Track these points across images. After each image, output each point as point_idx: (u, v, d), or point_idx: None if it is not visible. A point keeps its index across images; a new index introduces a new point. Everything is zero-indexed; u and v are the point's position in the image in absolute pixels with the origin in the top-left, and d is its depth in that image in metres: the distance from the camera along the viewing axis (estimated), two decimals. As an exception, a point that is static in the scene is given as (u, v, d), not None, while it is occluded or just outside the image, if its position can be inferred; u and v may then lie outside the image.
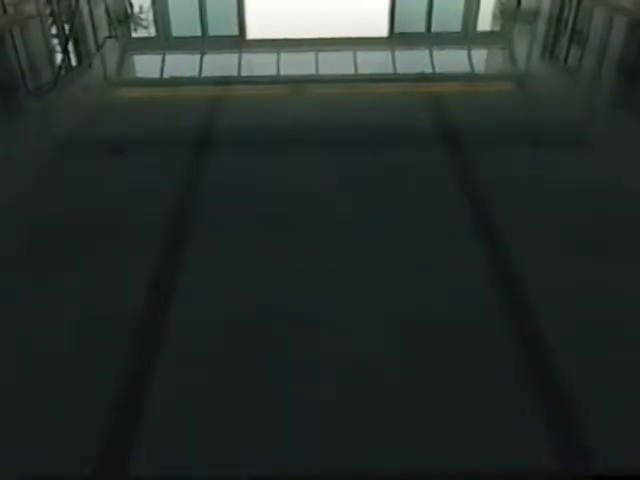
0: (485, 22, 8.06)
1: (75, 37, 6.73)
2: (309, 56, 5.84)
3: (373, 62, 5.78)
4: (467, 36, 7.03)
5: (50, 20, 7.32)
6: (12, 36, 6.24)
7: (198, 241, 2.54)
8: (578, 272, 2.28)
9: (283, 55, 5.89)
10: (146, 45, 6.78)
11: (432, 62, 5.87)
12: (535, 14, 7.86)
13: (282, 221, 2.68)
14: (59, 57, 5.99)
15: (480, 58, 6.16)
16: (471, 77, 5.30)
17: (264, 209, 2.78)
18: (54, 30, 7.06)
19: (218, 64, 5.91)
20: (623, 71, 5.30)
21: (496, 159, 3.37)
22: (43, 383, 1.78)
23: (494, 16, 8.20)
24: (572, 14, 7.82)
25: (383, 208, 2.81)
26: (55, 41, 6.60)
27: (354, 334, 1.97)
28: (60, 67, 5.62)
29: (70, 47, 6.35)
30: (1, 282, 2.25)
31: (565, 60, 5.88)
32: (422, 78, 5.14)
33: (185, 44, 6.70)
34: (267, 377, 1.79)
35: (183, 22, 7.94)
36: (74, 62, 5.88)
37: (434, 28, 7.66)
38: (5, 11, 6.60)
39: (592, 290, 2.18)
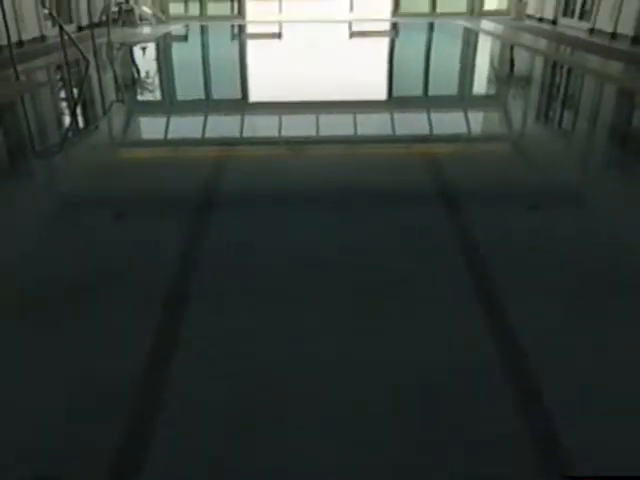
0: (481, 86, 8.35)
1: (83, 102, 6.98)
2: (309, 118, 5.97)
3: (372, 124, 5.91)
4: (463, 100, 7.22)
5: (60, 86, 7.62)
6: (23, 102, 6.50)
7: (198, 305, 2.56)
8: (579, 336, 2.29)
9: (284, 117, 6.03)
10: (151, 108, 6.98)
11: (430, 124, 6.00)
12: (528, 80, 8.13)
13: (282, 286, 2.71)
14: (67, 121, 6.17)
15: (476, 120, 6.30)
16: (468, 139, 5.42)
17: (265, 273, 2.81)
18: (64, 94, 7.34)
19: (221, 126, 6.04)
20: (615, 135, 5.43)
21: (494, 221, 3.40)
22: (34, 447, 1.77)
23: (489, 81, 8.49)
24: (563, 80, 8.12)
25: (382, 271, 2.84)
26: (64, 105, 6.84)
27: (354, 403, 1.96)
28: (67, 130, 5.79)
29: (78, 111, 6.57)
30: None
31: (559, 124, 6.04)
32: (420, 140, 5.25)
33: (189, 107, 6.89)
34: (265, 446, 1.79)
35: (187, 86, 8.22)
36: (81, 125, 6.04)
37: (431, 92, 7.88)
38: (18, 78, 6.89)
39: (593, 354, 2.18)
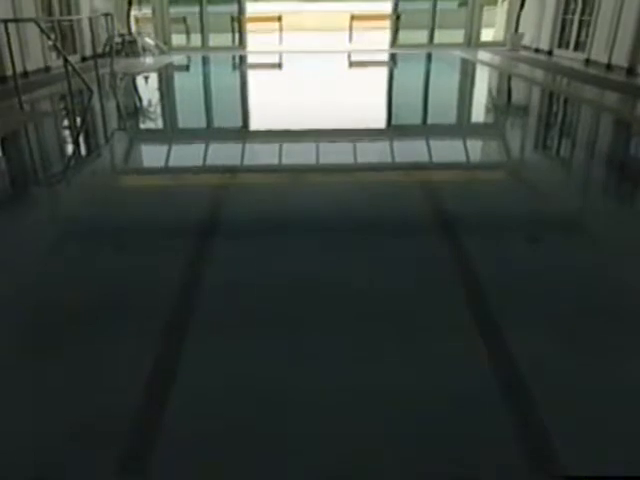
0: (479, 115, 8.46)
1: (86, 130, 7.06)
2: (310, 146, 6.03)
3: (372, 152, 5.96)
4: (462, 128, 7.30)
5: (63, 116, 7.71)
6: (26, 131, 6.57)
7: (198, 336, 2.55)
8: (579, 369, 2.28)
9: (285, 145, 6.08)
10: (153, 136, 7.04)
11: (429, 152, 6.06)
12: (525, 109, 8.25)
13: (281, 315, 2.71)
14: (70, 149, 6.23)
15: (475, 149, 6.37)
16: (467, 167, 5.46)
17: (265, 303, 2.81)
18: (67, 123, 7.43)
19: (222, 154, 6.09)
20: (613, 165, 5.48)
21: (494, 251, 3.42)
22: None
23: (487, 110, 8.60)
24: (561, 110, 8.24)
25: (382, 300, 2.84)
26: (67, 134, 6.91)
27: (353, 438, 1.95)
28: (69, 159, 5.84)
29: (81, 140, 6.64)
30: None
31: (557, 153, 6.11)
32: (419, 167, 5.30)
33: (190, 135, 6.96)
34: (264, 475, 1.77)
35: (189, 115, 8.32)
36: (84, 154, 6.10)
37: (430, 121, 7.97)
38: (22, 108, 6.98)
39: (594, 388, 2.18)
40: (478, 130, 7.21)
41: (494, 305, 2.81)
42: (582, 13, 11.32)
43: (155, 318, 2.67)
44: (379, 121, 7.75)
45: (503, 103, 8.90)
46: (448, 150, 6.11)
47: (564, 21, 12.08)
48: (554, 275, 3.08)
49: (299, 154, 5.80)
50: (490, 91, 10.31)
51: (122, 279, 3.07)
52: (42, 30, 8.40)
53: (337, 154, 5.75)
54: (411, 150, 6.10)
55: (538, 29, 12.88)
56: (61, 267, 3.28)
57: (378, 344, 2.48)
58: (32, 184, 5.06)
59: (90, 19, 11.02)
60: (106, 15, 10.96)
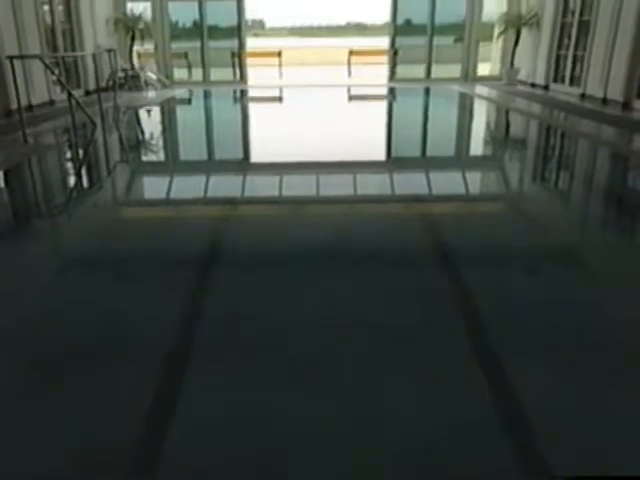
0: (477, 148, 8.57)
1: (89, 163, 7.14)
2: (310, 178, 6.08)
3: (372, 184, 6.01)
4: (460, 161, 7.38)
5: (67, 149, 7.81)
6: (30, 164, 6.65)
7: (199, 367, 2.55)
8: (580, 403, 2.27)
9: (285, 177, 6.14)
10: (155, 169, 7.11)
11: (429, 184, 6.11)
12: (523, 142, 8.36)
13: (281, 349, 2.70)
14: (72, 182, 6.29)
15: (474, 181, 6.43)
16: (466, 199, 5.51)
17: (265, 336, 2.81)
18: (70, 156, 7.51)
19: (223, 186, 6.14)
20: (611, 197, 5.52)
21: (494, 283, 3.43)
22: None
23: (485, 143, 8.72)
24: (558, 143, 8.35)
25: (382, 334, 2.83)
26: (70, 167, 6.99)
27: (353, 469, 1.94)
28: (71, 191, 5.90)
29: (83, 172, 6.71)
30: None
31: (555, 185, 6.17)
32: (419, 200, 5.35)
33: (192, 167, 7.02)
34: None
35: (190, 147, 8.42)
36: (85, 186, 6.15)
37: (429, 153, 8.06)
38: (26, 141, 7.07)
39: (593, 420, 2.17)
40: (477, 163, 7.28)
41: (494, 338, 2.81)
42: (575, 49, 11.56)
43: (156, 349, 2.66)
44: (379, 153, 7.84)
45: (501, 136, 9.03)
46: (448, 182, 6.16)
47: (558, 57, 12.32)
48: (553, 308, 3.08)
49: (299, 186, 5.85)
50: (488, 124, 10.46)
51: (123, 310, 3.07)
52: (46, 66, 8.57)
53: (337, 186, 5.79)
54: (411, 182, 6.16)
55: (533, 64, 13.13)
56: (62, 299, 3.28)
57: (378, 376, 2.47)
58: (34, 216, 5.09)
59: (94, 55, 11.24)
60: (109, 51, 11.18)
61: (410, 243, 4.15)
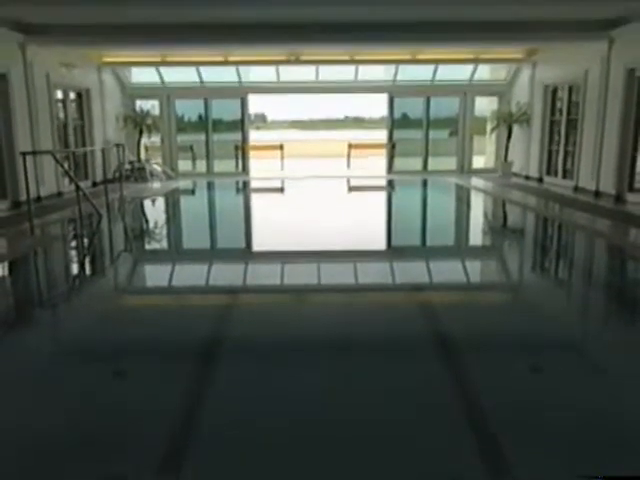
0: (475, 239, 8.72)
1: (93, 254, 7.25)
2: (311, 267, 6.15)
3: (372, 273, 6.07)
4: (459, 252, 7.49)
5: (72, 239, 7.95)
6: (35, 256, 6.75)
7: (197, 463, 2.49)
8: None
9: (287, 266, 6.21)
10: (158, 258, 7.20)
11: (429, 275, 6.17)
12: (520, 234, 8.53)
13: (281, 441, 2.66)
14: (76, 273, 6.36)
15: (473, 272, 6.50)
16: (465, 290, 5.55)
17: (265, 427, 2.77)
18: (75, 246, 7.63)
19: (225, 275, 6.20)
20: (609, 288, 5.57)
21: (494, 376, 3.40)
22: None
23: (483, 233, 8.89)
24: (555, 235, 8.53)
25: (382, 427, 2.79)
26: (75, 258, 7.07)
27: None
28: (74, 282, 5.96)
29: (87, 263, 6.80)
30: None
31: (553, 276, 6.24)
32: (419, 289, 5.39)
33: (195, 257, 7.12)
34: None
35: (193, 237, 8.57)
36: (89, 277, 6.22)
37: (428, 244, 8.19)
38: (32, 232, 7.21)
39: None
40: (476, 253, 7.39)
41: (494, 431, 2.77)
42: (566, 145, 12.04)
43: (154, 446, 2.62)
44: (379, 243, 7.97)
45: (499, 227, 9.21)
46: (447, 272, 6.23)
47: (550, 151, 12.81)
48: (553, 402, 3.05)
49: (300, 275, 5.91)
50: (486, 216, 10.70)
51: (121, 404, 3.04)
52: (57, 161, 8.90)
53: (338, 275, 5.86)
54: (411, 272, 6.23)
55: (526, 158, 13.63)
56: (60, 392, 3.25)
57: (379, 469, 2.42)
58: (37, 307, 5.11)
59: (103, 149, 11.69)
60: (118, 145, 11.64)
61: (411, 334, 4.16)
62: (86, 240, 7.93)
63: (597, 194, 10.35)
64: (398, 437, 2.73)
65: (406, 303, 5.01)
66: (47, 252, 6.96)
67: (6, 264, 6.23)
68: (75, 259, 7.02)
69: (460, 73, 15.03)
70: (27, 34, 9.60)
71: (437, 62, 14.19)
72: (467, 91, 15.26)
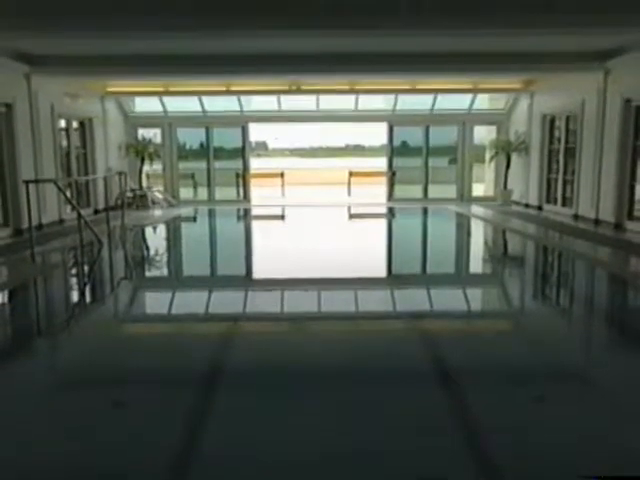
0: (476, 267, 8.73)
1: (93, 282, 7.25)
2: (312, 295, 6.15)
3: (373, 301, 6.07)
4: (460, 278, 7.49)
5: (73, 267, 7.96)
6: (35, 284, 6.75)
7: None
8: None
9: (287, 293, 6.21)
10: (158, 285, 7.21)
11: (430, 302, 6.17)
12: (520, 261, 8.54)
13: (282, 477, 2.64)
14: (75, 301, 6.35)
15: (475, 299, 6.50)
16: (465, 318, 5.55)
17: (266, 460, 2.75)
18: (75, 275, 7.64)
19: (225, 302, 6.21)
20: (612, 319, 5.56)
21: (495, 406, 3.38)
22: None
23: (484, 262, 8.90)
24: (555, 263, 8.54)
25: (383, 461, 2.76)
26: (75, 286, 7.08)
27: None
28: (74, 310, 5.97)
29: (87, 290, 6.80)
30: None
31: (555, 304, 6.24)
32: (419, 316, 5.39)
33: (195, 284, 7.11)
34: None
35: (194, 264, 8.58)
36: (88, 305, 6.23)
37: (428, 271, 8.19)
38: (34, 261, 7.22)
39: None
40: (477, 281, 7.39)
41: (495, 462, 2.75)
42: (565, 173, 12.11)
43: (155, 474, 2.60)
44: (379, 271, 7.97)
45: (499, 256, 9.22)
46: (448, 300, 6.23)
47: (549, 179, 12.89)
48: (554, 432, 3.02)
49: (301, 303, 5.91)
50: (486, 244, 10.72)
51: (120, 436, 3.02)
52: (59, 189, 8.97)
53: (339, 303, 5.86)
54: (411, 300, 6.22)
55: (526, 186, 13.70)
56: (59, 422, 3.23)
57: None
58: (36, 336, 5.10)
59: (105, 177, 11.77)
60: (120, 174, 11.72)
61: (412, 363, 4.15)
62: (87, 268, 7.94)
63: (597, 222, 10.38)
64: (398, 469, 2.70)
65: (407, 331, 5.00)
66: (47, 280, 6.96)
67: (6, 292, 6.22)
68: (75, 287, 7.02)
69: (459, 102, 15.21)
70: (32, 65, 9.77)
71: (436, 92, 14.36)
72: (466, 120, 15.43)
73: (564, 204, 12.13)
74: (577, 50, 9.68)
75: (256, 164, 18.50)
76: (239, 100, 14.88)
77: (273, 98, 14.87)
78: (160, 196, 14.85)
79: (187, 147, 16.67)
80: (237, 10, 6.92)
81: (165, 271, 8.20)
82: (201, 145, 16.13)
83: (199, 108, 15.12)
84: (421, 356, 4.30)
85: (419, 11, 6.88)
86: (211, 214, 14.35)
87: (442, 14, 6.95)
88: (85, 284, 7.14)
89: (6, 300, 6.13)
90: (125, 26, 7.15)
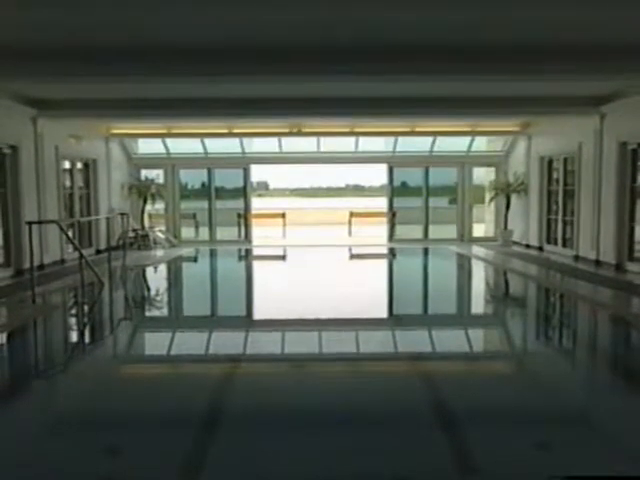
0: (478, 308, 8.71)
1: (93, 323, 7.22)
2: (312, 336, 6.13)
3: (373, 342, 6.04)
4: (462, 319, 7.46)
5: (73, 308, 7.94)
6: (35, 325, 6.73)
7: None
8: None
9: (288, 334, 6.18)
10: (159, 326, 7.19)
11: (431, 344, 6.14)
12: (522, 302, 8.52)
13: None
14: (74, 343, 6.33)
15: (476, 341, 6.47)
16: (468, 358, 5.52)
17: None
18: (75, 315, 7.62)
19: (225, 344, 6.18)
20: (615, 361, 5.53)
21: (497, 451, 3.33)
22: None
23: (486, 303, 8.88)
24: (557, 305, 8.52)
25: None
26: (75, 328, 7.05)
27: None
28: (72, 351, 5.95)
29: (87, 332, 6.77)
30: None
31: (559, 345, 6.20)
32: (420, 358, 5.36)
33: (195, 325, 7.07)
34: None
35: (194, 305, 8.55)
36: (87, 347, 6.19)
37: (429, 312, 8.17)
38: (34, 301, 7.21)
39: None
40: (478, 323, 7.35)
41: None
42: (564, 214, 12.19)
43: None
44: (380, 311, 7.94)
45: (500, 297, 9.20)
46: (449, 342, 6.20)
47: (549, 220, 12.96)
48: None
49: (301, 344, 5.89)
50: (487, 285, 10.70)
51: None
52: (62, 229, 9.02)
53: (339, 344, 5.83)
54: (412, 341, 6.20)
55: (526, 226, 13.77)
56: (55, 464, 3.18)
57: None
58: (34, 378, 5.06)
59: (107, 218, 11.86)
60: (122, 214, 11.81)
61: (413, 405, 4.10)
62: (87, 309, 7.91)
63: (597, 263, 10.39)
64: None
65: (408, 373, 4.97)
66: (47, 321, 6.94)
67: (5, 334, 6.19)
68: (75, 328, 6.99)
69: (458, 144, 15.44)
70: (38, 108, 9.97)
71: (435, 134, 14.59)
72: (465, 162, 15.63)
73: (565, 245, 12.16)
74: (573, 95, 9.89)
75: (257, 204, 18.64)
76: (241, 142, 15.11)
77: (274, 140, 15.11)
78: (162, 236, 14.91)
79: (189, 187, 16.84)
80: (235, 58, 7.05)
81: (165, 311, 8.18)
82: (203, 185, 16.30)
83: (201, 149, 15.34)
84: (422, 399, 4.27)
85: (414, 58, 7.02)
86: (212, 254, 14.39)
87: (434, 61, 7.10)
88: (85, 325, 7.11)
89: (5, 341, 6.10)
90: (124, 72, 7.30)
